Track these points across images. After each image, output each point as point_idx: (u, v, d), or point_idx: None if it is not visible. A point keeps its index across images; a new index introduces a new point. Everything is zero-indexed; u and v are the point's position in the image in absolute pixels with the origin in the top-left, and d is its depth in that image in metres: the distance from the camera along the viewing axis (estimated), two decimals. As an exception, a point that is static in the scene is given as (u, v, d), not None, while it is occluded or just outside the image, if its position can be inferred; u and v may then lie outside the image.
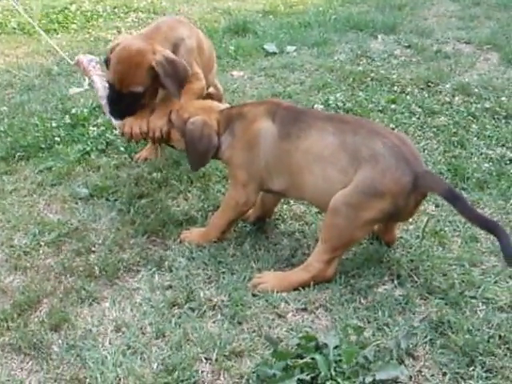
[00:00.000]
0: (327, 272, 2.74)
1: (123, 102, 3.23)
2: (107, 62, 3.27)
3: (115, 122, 3.34)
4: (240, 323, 2.55)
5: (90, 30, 6.62)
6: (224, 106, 3.25)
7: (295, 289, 2.73)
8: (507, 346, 2.39)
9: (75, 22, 6.87)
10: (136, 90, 3.17)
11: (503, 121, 4.41)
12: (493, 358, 2.33)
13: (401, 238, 3.07)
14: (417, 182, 2.61)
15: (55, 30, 6.63)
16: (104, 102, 3.36)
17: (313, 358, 2.24)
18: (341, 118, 3.07)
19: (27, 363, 2.39)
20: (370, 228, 2.80)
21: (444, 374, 2.30)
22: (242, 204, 2.99)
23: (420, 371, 2.32)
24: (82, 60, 3.59)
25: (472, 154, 3.92)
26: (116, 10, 7.33)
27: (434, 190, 2.71)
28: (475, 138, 4.12)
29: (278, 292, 2.70)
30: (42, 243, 3.07)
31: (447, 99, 4.74)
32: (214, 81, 3.95)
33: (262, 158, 2.89)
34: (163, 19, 3.69)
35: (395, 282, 2.78)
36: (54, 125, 4.23)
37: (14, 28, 6.58)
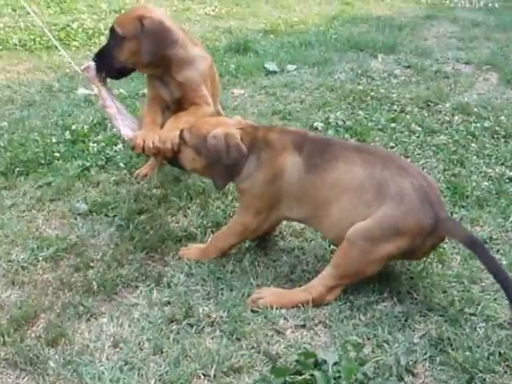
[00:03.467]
0: (327, 297, 2.73)
1: (107, 43, 3.35)
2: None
3: (124, 133, 3.25)
4: (239, 339, 2.53)
5: (92, 48, 6.64)
6: (237, 118, 3.13)
7: (294, 306, 2.71)
8: (507, 363, 2.38)
9: (77, 39, 6.90)
10: (117, 30, 3.24)
11: (502, 140, 4.42)
12: (493, 375, 2.32)
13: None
14: (437, 225, 2.60)
15: (57, 47, 6.64)
16: (112, 111, 3.31)
17: (312, 375, 2.22)
18: (369, 149, 3.01)
19: (23, 379, 2.37)
20: (383, 264, 2.74)
21: (444, 391, 2.29)
22: (251, 231, 2.96)
23: (419, 388, 2.31)
24: (92, 67, 3.57)
25: (471, 172, 3.93)
26: (118, 29, 7.36)
27: (455, 236, 2.72)
28: (475, 157, 4.13)
29: (276, 308, 2.68)
30: (40, 258, 3.05)
31: (447, 118, 4.76)
32: (218, 108, 3.90)
33: (284, 190, 2.84)
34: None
35: (395, 298, 2.77)
36: (53, 140, 4.23)
37: (16, 44, 6.61)
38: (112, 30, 3.30)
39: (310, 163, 2.80)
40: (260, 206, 2.90)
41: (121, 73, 3.44)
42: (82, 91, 4.65)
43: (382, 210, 2.62)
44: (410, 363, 2.38)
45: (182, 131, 3.05)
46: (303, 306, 2.70)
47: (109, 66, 3.34)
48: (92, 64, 3.41)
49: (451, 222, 2.74)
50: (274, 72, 5.89)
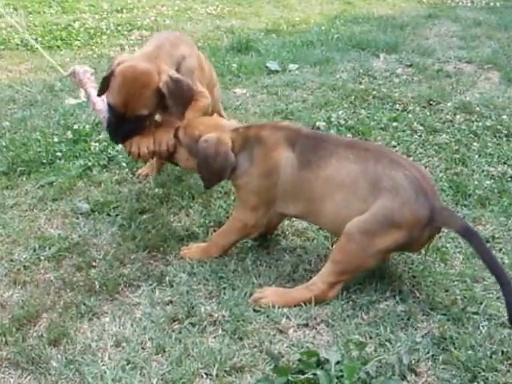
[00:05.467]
0: (329, 294, 2.73)
1: (127, 125, 3.11)
2: (106, 82, 3.13)
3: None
4: (241, 339, 2.53)
5: (94, 47, 6.64)
6: (233, 123, 3.16)
7: (296, 304, 2.71)
8: (510, 361, 2.38)
9: (79, 38, 6.89)
10: (143, 113, 3.07)
11: (504, 139, 4.41)
12: (495, 373, 2.31)
13: (403, 254, 3.05)
14: (433, 216, 2.61)
15: (58, 46, 6.64)
16: (103, 116, 3.27)
17: (314, 374, 2.23)
18: (361, 144, 3.04)
19: (25, 378, 2.37)
20: (381, 257, 2.76)
21: (446, 390, 2.28)
22: (250, 227, 2.97)
23: (422, 387, 2.30)
24: (78, 71, 3.53)
25: (473, 171, 3.92)
26: (119, 28, 7.36)
27: (451, 226, 2.71)
28: (477, 156, 4.12)
29: (279, 307, 2.68)
30: (42, 258, 3.06)
31: (449, 117, 4.75)
32: (218, 107, 3.86)
33: (279, 186, 2.85)
34: (163, 35, 3.57)
35: (397, 297, 2.77)
36: (55, 140, 4.23)
37: (18, 44, 6.60)
38: (130, 115, 3.08)
39: (304, 159, 2.82)
40: (257, 202, 2.91)
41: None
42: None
43: (378, 203, 2.62)
44: (413, 362, 2.38)
45: (176, 130, 3.07)
46: (305, 305, 2.70)
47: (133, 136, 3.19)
48: (77, 68, 3.38)
49: (446, 211, 2.73)
50: (276, 71, 5.88)
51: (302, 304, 2.70)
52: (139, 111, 3.07)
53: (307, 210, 2.86)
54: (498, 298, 2.74)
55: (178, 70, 3.20)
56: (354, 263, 2.69)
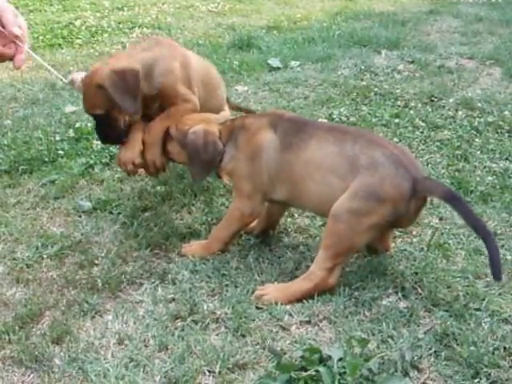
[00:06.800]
0: (329, 280, 2.73)
1: (99, 126, 3.15)
2: None
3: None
4: (243, 336, 2.53)
5: (95, 45, 6.64)
6: (224, 115, 3.25)
7: (299, 301, 2.71)
8: (512, 357, 2.38)
9: (80, 37, 6.90)
10: (96, 112, 3.08)
11: (506, 135, 4.40)
12: (498, 369, 2.31)
13: (405, 250, 3.06)
14: (416, 187, 2.63)
15: (60, 44, 6.65)
16: None
17: (317, 371, 2.22)
18: (341, 128, 3.11)
19: (28, 376, 2.37)
20: (371, 234, 2.76)
21: (449, 387, 2.28)
22: (248, 215, 2.99)
23: (425, 383, 2.30)
24: (77, 78, 3.57)
25: (475, 167, 3.92)
26: (121, 26, 7.37)
27: (434, 193, 2.74)
28: (478, 152, 4.12)
29: (281, 304, 2.68)
30: (45, 256, 3.06)
31: (450, 114, 4.75)
32: (222, 106, 3.73)
33: (264, 169, 2.90)
34: (143, 42, 3.54)
35: (399, 294, 2.77)
36: (57, 138, 4.24)
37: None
38: (91, 114, 3.14)
39: (286, 142, 2.87)
40: (249, 188, 2.95)
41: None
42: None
43: (358, 180, 2.65)
44: (415, 358, 2.38)
45: (168, 127, 3.13)
46: (307, 302, 2.70)
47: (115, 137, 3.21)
48: (76, 75, 3.37)
49: (428, 180, 2.76)
50: (278, 68, 5.88)
51: (305, 301, 2.70)
52: (92, 110, 3.10)
53: (292, 194, 2.89)
54: (500, 294, 2.74)
55: (150, 73, 3.10)
56: (345, 244, 2.70)
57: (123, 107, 3.03)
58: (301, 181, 2.83)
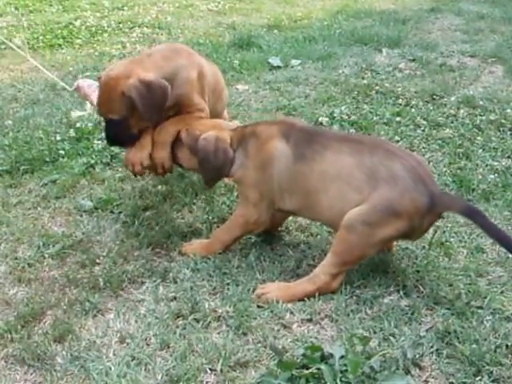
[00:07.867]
0: (332, 285, 2.73)
1: (110, 129, 3.14)
2: None
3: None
4: (245, 334, 2.53)
5: (95, 45, 6.64)
6: (234, 123, 3.23)
7: (300, 299, 2.72)
8: (514, 355, 2.38)
9: (80, 37, 6.89)
10: (113, 117, 3.06)
11: (508, 133, 4.41)
12: (500, 367, 2.31)
13: (406, 248, 3.06)
14: (434, 202, 2.62)
15: (60, 45, 6.65)
16: None
17: (318, 369, 2.23)
18: (355, 138, 3.09)
19: (31, 375, 2.38)
20: (383, 246, 2.79)
21: (451, 384, 2.28)
22: (252, 223, 2.97)
23: (426, 381, 2.30)
24: (83, 85, 3.56)
25: (477, 165, 3.92)
26: (121, 26, 7.36)
27: (452, 208, 2.74)
28: (480, 150, 4.12)
29: (283, 303, 2.68)
30: (47, 255, 3.06)
31: (452, 112, 4.75)
32: (223, 111, 3.76)
33: (275, 179, 2.87)
34: (159, 47, 3.53)
35: (401, 292, 2.77)
36: (58, 138, 4.23)
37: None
38: (106, 119, 3.12)
39: (298, 152, 2.83)
40: (257, 197, 2.93)
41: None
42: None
43: (377, 193, 2.63)
44: (417, 356, 2.38)
45: (179, 132, 3.11)
46: (309, 300, 2.70)
47: (125, 141, 3.20)
48: (81, 82, 3.36)
49: (446, 196, 2.77)
50: (278, 67, 5.87)
51: (306, 299, 2.71)
52: (109, 115, 3.08)
53: (303, 205, 2.87)
54: (501, 292, 2.75)
55: (171, 84, 3.08)
56: (355, 254, 2.70)
57: (147, 118, 3.06)
58: (314, 192, 2.80)
